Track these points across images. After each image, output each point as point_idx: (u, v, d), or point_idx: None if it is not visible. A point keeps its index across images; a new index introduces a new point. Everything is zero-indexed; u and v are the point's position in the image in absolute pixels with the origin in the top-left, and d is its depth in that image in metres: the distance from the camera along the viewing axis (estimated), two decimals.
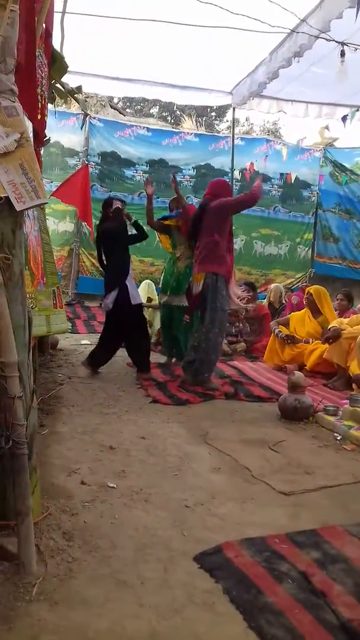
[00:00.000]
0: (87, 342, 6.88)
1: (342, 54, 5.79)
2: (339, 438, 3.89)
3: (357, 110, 7.49)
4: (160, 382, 5.05)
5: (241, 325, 6.99)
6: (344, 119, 7.58)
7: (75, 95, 5.59)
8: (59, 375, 5.11)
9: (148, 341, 5.60)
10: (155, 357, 5.90)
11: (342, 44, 5.79)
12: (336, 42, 5.75)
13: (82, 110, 8.78)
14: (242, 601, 1.96)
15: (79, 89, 5.59)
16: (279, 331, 6.06)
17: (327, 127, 8.44)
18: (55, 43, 4.62)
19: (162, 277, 6.06)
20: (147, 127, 10.71)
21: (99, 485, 2.86)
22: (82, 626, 1.79)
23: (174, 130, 11.35)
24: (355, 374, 5.00)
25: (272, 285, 8.47)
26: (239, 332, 6.93)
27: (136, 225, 5.48)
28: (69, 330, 7.57)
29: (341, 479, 3.17)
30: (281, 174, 10.77)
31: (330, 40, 5.67)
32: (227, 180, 10.03)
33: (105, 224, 5.39)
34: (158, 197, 6.85)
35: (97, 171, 10.10)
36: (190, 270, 5.47)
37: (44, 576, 2.02)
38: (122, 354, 5.78)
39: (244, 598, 1.97)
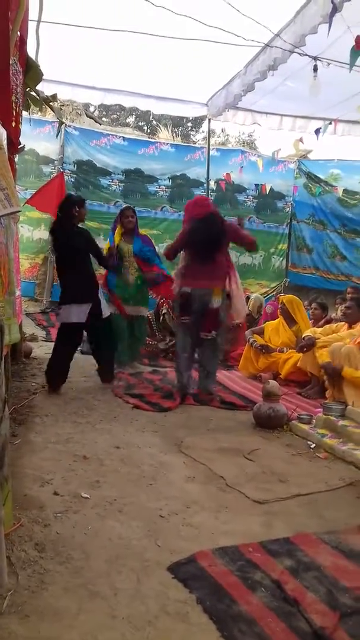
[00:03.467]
0: None
1: (315, 68, 5.89)
2: (312, 446, 3.92)
3: (330, 123, 7.62)
4: (137, 394, 5.01)
5: None
6: (317, 131, 7.70)
7: (51, 103, 5.57)
8: (33, 384, 5.05)
9: (114, 352, 5.48)
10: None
11: (315, 58, 5.90)
12: (309, 56, 5.85)
13: (58, 118, 8.75)
14: (215, 610, 1.95)
15: (54, 97, 5.58)
16: (254, 340, 6.10)
17: (301, 140, 8.54)
18: (31, 51, 4.61)
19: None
20: (123, 137, 10.71)
21: (72, 495, 2.84)
22: (53, 638, 1.77)
23: (150, 140, 11.38)
24: (322, 362, 5.05)
25: (253, 296, 8.50)
26: None
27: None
28: (43, 339, 7.51)
29: (314, 487, 3.19)
30: (256, 185, 10.88)
31: (303, 55, 5.76)
32: (203, 190, 10.18)
33: (73, 228, 5.04)
34: (135, 207, 6.84)
35: (72, 179, 10.06)
36: (142, 281, 5.82)
37: (15, 588, 2.00)
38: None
39: (217, 607, 1.97)
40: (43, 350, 6.69)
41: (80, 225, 5.22)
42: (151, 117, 20.15)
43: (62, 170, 9.55)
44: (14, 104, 3.57)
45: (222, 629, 1.86)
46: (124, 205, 6.33)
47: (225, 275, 5.06)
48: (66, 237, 4.99)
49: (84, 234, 5.13)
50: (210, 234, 4.91)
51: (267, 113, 8.56)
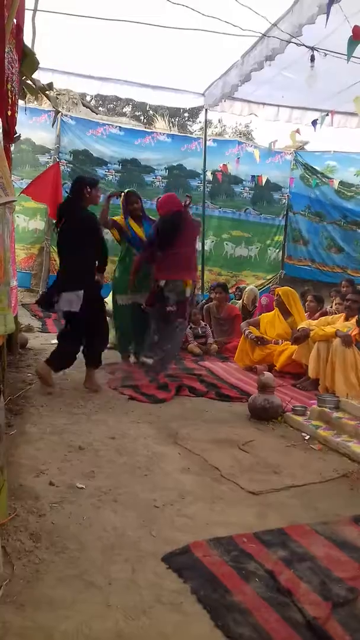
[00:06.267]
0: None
1: (312, 59, 5.86)
2: (306, 438, 3.94)
3: (327, 115, 7.58)
4: (133, 385, 5.01)
5: (203, 324, 7.06)
6: (314, 123, 7.66)
7: (46, 92, 5.53)
8: (28, 375, 5.04)
9: (103, 338, 5.07)
10: None
11: (312, 49, 5.87)
12: (306, 47, 5.82)
13: (54, 107, 8.69)
14: (209, 601, 1.97)
15: (50, 85, 5.54)
16: (249, 332, 6.10)
17: (298, 131, 8.51)
18: (27, 40, 4.57)
19: (116, 277, 5.88)
20: (120, 126, 10.66)
21: (68, 485, 2.84)
22: (48, 628, 1.78)
23: (146, 130, 11.32)
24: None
25: (247, 288, 8.49)
26: (205, 332, 6.97)
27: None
28: (39, 330, 7.50)
29: (308, 478, 3.21)
30: (252, 176, 10.85)
31: (300, 45, 5.73)
32: (200, 181, 10.16)
33: (80, 211, 4.72)
34: None
35: (68, 169, 10.00)
36: (146, 269, 5.62)
37: (11, 578, 2.00)
38: None
39: (211, 597, 1.99)
40: (39, 341, 6.69)
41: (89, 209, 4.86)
42: (148, 107, 20.00)
43: (58, 160, 9.51)
44: (9, 93, 3.54)
45: (215, 619, 1.87)
46: (127, 190, 5.82)
47: (194, 267, 5.52)
48: (71, 218, 4.71)
49: (91, 220, 4.78)
50: (180, 229, 5.27)
51: (263, 104, 8.53)
